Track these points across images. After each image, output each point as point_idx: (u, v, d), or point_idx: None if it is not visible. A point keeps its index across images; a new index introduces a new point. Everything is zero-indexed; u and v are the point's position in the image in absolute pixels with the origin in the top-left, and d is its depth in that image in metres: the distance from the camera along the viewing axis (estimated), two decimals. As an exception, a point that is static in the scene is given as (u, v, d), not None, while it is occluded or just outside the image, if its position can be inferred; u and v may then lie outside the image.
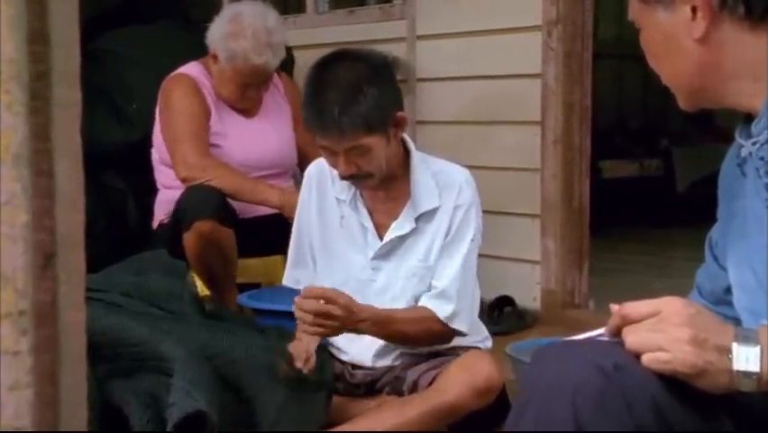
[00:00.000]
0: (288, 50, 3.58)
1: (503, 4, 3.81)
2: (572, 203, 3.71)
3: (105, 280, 2.32)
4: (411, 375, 2.26)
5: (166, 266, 2.45)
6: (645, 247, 5.72)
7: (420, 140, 3.98)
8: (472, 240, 2.27)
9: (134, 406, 1.91)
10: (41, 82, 0.74)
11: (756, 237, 1.22)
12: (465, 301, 2.26)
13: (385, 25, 4.27)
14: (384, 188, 2.29)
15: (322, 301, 2.06)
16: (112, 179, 3.75)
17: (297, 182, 2.97)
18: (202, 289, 2.84)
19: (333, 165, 2.22)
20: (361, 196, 2.33)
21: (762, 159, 1.23)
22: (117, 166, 3.74)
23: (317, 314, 2.05)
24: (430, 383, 2.21)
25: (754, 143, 1.24)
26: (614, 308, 1.17)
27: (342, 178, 2.23)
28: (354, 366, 2.35)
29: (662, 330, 1.10)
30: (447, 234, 2.26)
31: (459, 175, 2.32)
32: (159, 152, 3.15)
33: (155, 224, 3.17)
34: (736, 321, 1.28)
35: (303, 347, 2.23)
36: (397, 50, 4.08)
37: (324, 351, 2.31)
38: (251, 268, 3.11)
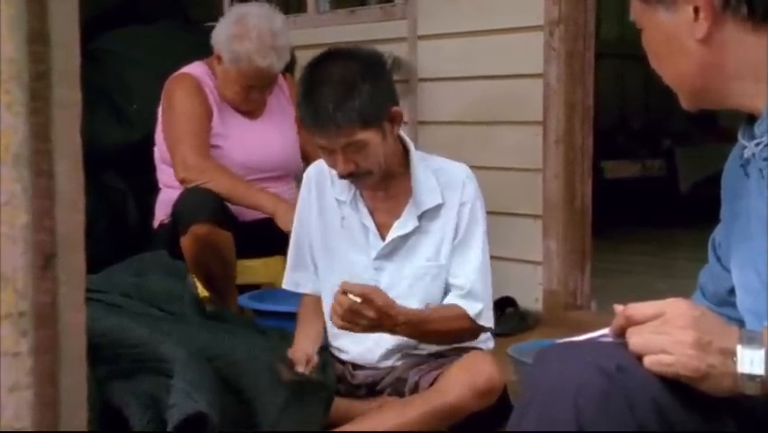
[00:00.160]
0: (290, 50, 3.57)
1: (505, 3, 3.81)
2: (574, 203, 3.70)
3: (106, 280, 2.32)
4: (412, 376, 2.26)
5: (166, 267, 2.45)
6: (648, 248, 5.72)
7: (421, 140, 3.98)
8: (484, 235, 2.30)
9: (134, 407, 1.91)
10: (40, 82, 0.73)
11: (760, 239, 1.22)
12: (488, 298, 2.30)
13: (386, 25, 4.27)
14: (384, 187, 2.29)
15: (359, 300, 2.05)
16: (112, 179, 3.75)
17: (300, 185, 2.97)
18: (202, 290, 2.84)
19: (332, 164, 2.22)
20: (362, 196, 2.33)
21: (765, 160, 1.22)
22: (117, 166, 3.74)
23: (350, 310, 2.05)
24: (431, 384, 2.20)
25: (757, 144, 1.24)
26: (618, 308, 1.17)
27: (342, 176, 2.23)
28: (355, 366, 2.35)
29: (665, 332, 1.10)
30: (456, 232, 2.27)
31: (460, 171, 2.33)
32: (160, 150, 3.15)
33: (156, 223, 3.17)
34: (740, 323, 1.27)
35: (303, 351, 2.23)
36: (398, 50, 4.08)
37: (324, 351, 2.31)
38: (251, 269, 3.10)
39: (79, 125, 0.76)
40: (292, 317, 2.47)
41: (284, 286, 2.47)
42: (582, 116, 3.68)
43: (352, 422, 2.19)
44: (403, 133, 2.35)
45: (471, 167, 2.39)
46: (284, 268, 2.49)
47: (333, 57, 2.21)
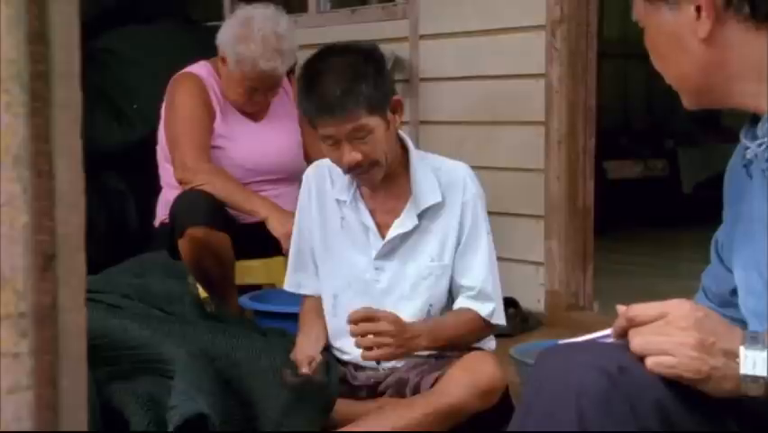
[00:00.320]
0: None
1: (506, 3, 3.81)
2: (577, 204, 3.70)
3: (106, 281, 2.32)
4: (414, 377, 2.26)
5: (166, 268, 2.45)
6: (650, 248, 5.71)
7: (423, 140, 3.98)
8: (488, 232, 2.30)
9: (135, 408, 1.91)
10: (40, 82, 0.73)
11: (762, 240, 1.21)
12: (498, 296, 2.31)
13: (387, 25, 4.26)
14: (384, 186, 2.29)
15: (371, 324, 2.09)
16: (112, 179, 3.75)
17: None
18: (202, 290, 2.83)
19: (338, 157, 2.21)
20: (361, 196, 2.33)
21: (768, 160, 1.22)
22: (117, 167, 3.74)
23: (373, 334, 2.08)
24: (432, 385, 2.20)
25: (759, 145, 1.23)
26: (621, 309, 1.17)
27: (348, 169, 2.22)
28: (357, 367, 2.35)
29: (668, 334, 1.10)
30: (460, 231, 2.28)
31: (460, 170, 2.33)
32: (163, 149, 3.15)
33: (157, 222, 3.16)
34: (743, 324, 1.27)
35: (305, 353, 2.23)
36: (399, 50, 4.08)
37: (326, 352, 2.30)
38: (252, 270, 3.10)
39: (80, 126, 0.76)
40: (293, 317, 2.47)
41: (286, 287, 2.47)
42: (585, 116, 3.68)
43: (353, 423, 2.19)
44: (403, 133, 2.35)
45: (473, 167, 2.39)
46: (285, 269, 2.48)
47: (332, 51, 2.23)
